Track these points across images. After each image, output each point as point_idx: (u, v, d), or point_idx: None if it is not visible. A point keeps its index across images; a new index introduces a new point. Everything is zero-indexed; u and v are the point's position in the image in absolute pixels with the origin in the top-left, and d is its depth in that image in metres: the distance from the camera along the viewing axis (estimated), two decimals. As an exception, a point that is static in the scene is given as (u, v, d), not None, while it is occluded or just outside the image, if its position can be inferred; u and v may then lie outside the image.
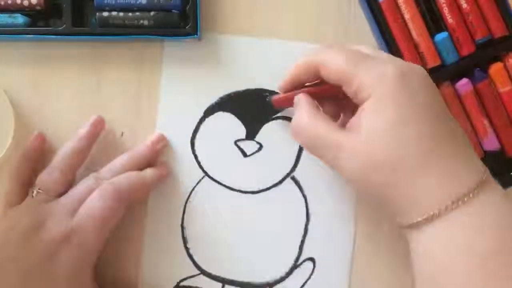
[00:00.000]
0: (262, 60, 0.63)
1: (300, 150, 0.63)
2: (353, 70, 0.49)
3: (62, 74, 0.63)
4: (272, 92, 0.62)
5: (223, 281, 0.63)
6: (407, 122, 0.47)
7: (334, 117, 0.57)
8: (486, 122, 0.60)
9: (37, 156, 0.62)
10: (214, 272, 0.63)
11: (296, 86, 0.56)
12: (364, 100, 0.48)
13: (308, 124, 0.52)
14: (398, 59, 0.51)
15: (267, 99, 0.61)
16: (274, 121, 0.63)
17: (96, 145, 0.62)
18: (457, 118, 0.59)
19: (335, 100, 0.56)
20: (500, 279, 0.44)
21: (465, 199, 0.45)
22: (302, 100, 0.54)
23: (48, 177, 0.58)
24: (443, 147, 0.47)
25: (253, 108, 0.63)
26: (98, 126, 0.62)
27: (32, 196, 0.57)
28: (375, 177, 0.48)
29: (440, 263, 0.46)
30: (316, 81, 0.55)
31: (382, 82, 0.48)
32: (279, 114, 0.63)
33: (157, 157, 0.63)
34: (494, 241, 0.45)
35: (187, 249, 0.63)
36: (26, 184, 0.60)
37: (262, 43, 0.63)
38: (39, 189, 0.57)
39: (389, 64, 0.49)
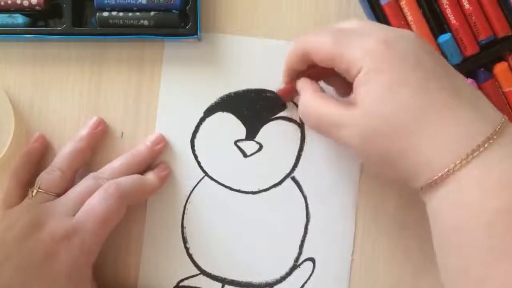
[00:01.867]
0: (262, 60, 0.63)
1: (300, 150, 0.63)
2: (339, 50, 0.49)
3: (62, 74, 0.63)
4: (272, 92, 0.63)
5: (223, 281, 0.63)
6: (399, 85, 0.46)
7: (345, 94, 0.57)
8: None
9: (37, 157, 0.62)
10: (214, 272, 0.63)
11: (297, 75, 0.57)
12: (356, 74, 0.48)
13: (311, 106, 0.52)
14: (384, 27, 0.51)
15: (273, 95, 0.61)
16: (274, 121, 0.63)
17: (96, 145, 0.63)
18: None
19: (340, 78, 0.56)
20: (507, 240, 0.43)
21: (475, 154, 0.44)
22: (304, 84, 0.55)
23: (48, 176, 0.58)
24: (443, 102, 0.46)
25: (253, 108, 0.63)
26: (99, 127, 0.62)
27: (32, 195, 0.57)
28: (379, 146, 0.48)
29: (450, 223, 0.45)
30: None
31: (368, 55, 0.48)
32: (279, 115, 0.63)
33: (156, 157, 0.63)
34: (502, 199, 0.43)
35: (187, 249, 0.63)
36: (25, 185, 0.60)
37: (262, 43, 0.63)
38: (39, 188, 0.58)
39: (372, 35, 0.49)
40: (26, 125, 0.63)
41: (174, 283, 0.63)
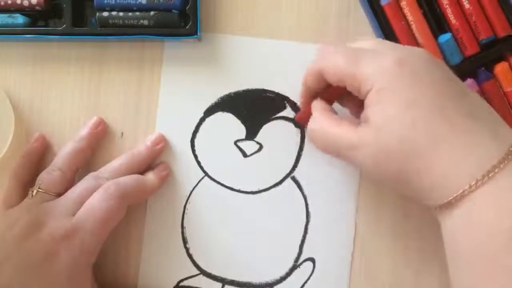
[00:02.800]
0: (262, 60, 0.63)
1: (300, 150, 0.63)
2: (351, 69, 0.49)
3: (62, 74, 0.63)
4: (272, 92, 0.63)
5: (223, 281, 0.63)
6: (412, 105, 0.46)
7: (358, 114, 0.56)
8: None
9: (38, 157, 0.62)
10: (214, 272, 0.63)
11: (313, 96, 0.57)
12: (367, 94, 0.48)
13: (320, 130, 0.52)
14: (397, 47, 0.51)
15: (273, 95, 0.62)
16: (274, 121, 0.63)
17: (96, 145, 0.63)
18: None
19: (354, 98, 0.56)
20: None
21: (490, 174, 0.44)
22: (315, 107, 0.55)
23: (48, 176, 0.58)
24: (458, 123, 0.46)
25: (253, 108, 0.63)
26: (99, 127, 0.62)
27: (32, 195, 0.57)
28: (392, 167, 0.47)
29: (465, 243, 0.45)
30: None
31: (380, 74, 0.47)
32: (279, 114, 0.63)
33: (157, 157, 0.63)
34: None
35: (187, 249, 0.63)
36: (25, 185, 0.60)
37: (262, 43, 0.63)
38: (39, 188, 0.58)
39: (385, 55, 0.48)
40: (26, 125, 0.63)
41: (174, 283, 0.63)
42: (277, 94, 0.63)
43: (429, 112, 0.46)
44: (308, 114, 0.56)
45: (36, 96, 0.63)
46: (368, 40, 0.53)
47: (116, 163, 0.61)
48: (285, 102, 0.63)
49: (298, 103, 0.62)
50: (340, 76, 0.50)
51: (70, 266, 0.53)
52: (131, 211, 0.60)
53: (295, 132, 0.63)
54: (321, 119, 0.53)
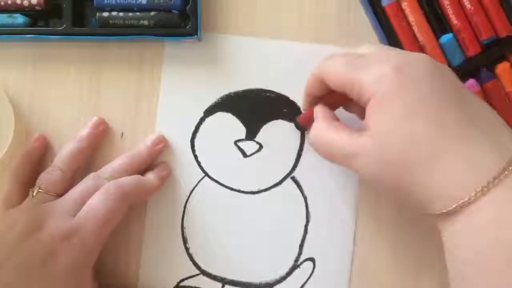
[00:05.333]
0: (262, 60, 0.63)
1: (300, 150, 0.63)
2: (350, 76, 0.49)
3: (62, 74, 0.63)
4: (272, 92, 0.63)
5: (223, 281, 0.63)
6: (412, 116, 0.46)
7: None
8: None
9: (38, 157, 0.62)
10: (214, 272, 0.63)
11: (315, 101, 0.57)
12: (367, 102, 0.48)
13: (321, 138, 0.52)
14: (398, 53, 0.51)
15: (273, 95, 0.62)
16: (274, 121, 0.63)
17: (97, 145, 0.63)
18: None
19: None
20: None
21: (490, 186, 0.43)
22: (317, 113, 0.55)
23: (48, 176, 0.59)
24: (459, 133, 0.45)
25: (253, 108, 0.63)
26: (100, 127, 0.62)
27: (32, 196, 0.58)
28: (392, 176, 0.47)
29: (464, 254, 0.45)
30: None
31: (379, 82, 0.47)
32: (279, 114, 0.63)
33: (157, 157, 0.63)
34: None
35: (187, 249, 0.63)
36: (26, 185, 0.60)
37: (262, 43, 0.63)
38: (39, 188, 0.58)
39: (384, 62, 0.48)
40: (26, 125, 0.63)
41: (174, 283, 0.63)
42: (277, 94, 0.63)
43: (428, 123, 0.46)
44: (310, 117, 0.56)
45: (36, 96, 0.63)
46: (371, 46, 0.53)
47: (116, 163, 0.61)
48: (285, 102, 0.63)
49: (299, 104, 0.62)
50: (340, 83, 0.50)
51: (70, 266, 0.53)
52: (131, 211, 0.60)
53: (295, 132, 0.63)
54: (322, 126, 0.53)
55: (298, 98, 0.62)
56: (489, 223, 0.43)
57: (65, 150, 0.60)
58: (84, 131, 0.61)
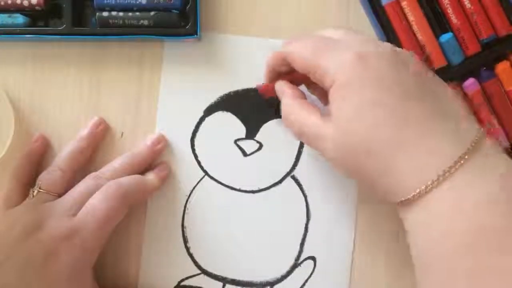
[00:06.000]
0: (262, 59, 0.63)
1: (300, 148, 0.63)
2: (314, 59, 0.49)
3: (62, 74, 0.63)
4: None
5: (224, 280, 0.63)
6: (374, 105, 0.46)
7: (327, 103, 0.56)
8: (495, 121, 0.60)
9: (38, 157, 0.62)
10: (214, 271, 0.63)
11: (277, 76, 0.57)
12: (329, 87, 0.48)
13: (292, 112, 0.53)
14: (363, 40, 0.50)
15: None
16: (273, 120, 0.63)
17: (97, 145, 0.63)
18: None
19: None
20: (476, 261, 0.43)
21: (446, 175, 0.44)
22: (282, 88, 0.56)
23: (48, 176, 0.59)
24: (420, 124, 0.45)
25: (253, 108, 0.63)
26: (100, 127, 0.62)
27: (32, 195, 0.58)
28: (352, 164, 0.48)
29: (421, 243, 0.46)
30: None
31: (341, 69, 0.47)
32: (278, 113, 0.63)
33: (157, 157, 0.63)
34: (472, 221, 0.43)
35: (187, 248, 0.63)
36: (26, 185, 0.60)
37: (261, 42, 0.63)
38: (39, 188, 0.58)
39: (350, 49, 0.48)
40: (26, 125, 0.63)
41: (175, 282, 0.63)
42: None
43: (390, 113, 0.46)
44: (271, 90, 0.57)
45: (36, 96, 0.63)
46: (338, 30, 0.53)
47: (116, 163, 0.61)
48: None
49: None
50: (304, 65, 0.50)
51: (71, 266, 0.53)
52: (131, 211, 0.60)
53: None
54: (295, 104, 0.53)
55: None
56: (443, 212, 0.44)
57: (65, 150, 0.61)
58: (84, 131, 0.61)
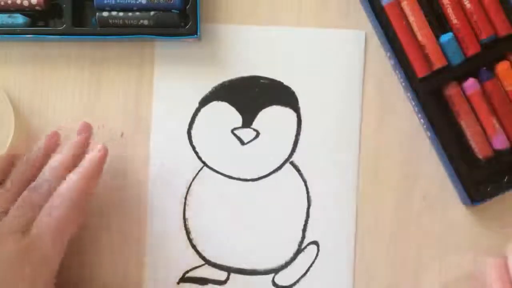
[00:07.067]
0: (255, 48, 0.64)
1: (298, 135, 0.64)
2: None
3: (62, 74, 0.64)
4: (266, 79, 0.64)
5: (229, 269, 0.64)
6: None
7: None
8: (494, 121, 0.60)
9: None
10: (218, 261, 0.64)
11: None
12: None
13: None
14: None
15: (267, 81, 0.63)
16: (269, 107, 0.64)
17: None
18: (466, 117, 0.60)
19: None
20: None
21: None
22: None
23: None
24: None
25: (248, 96, 0.64)
26: (53, 138, 0.61)
27: None
28: None
29: None
30: None
31: None
32: (274, 100, 0.64)
33: (88, 144, 0.61)
34: None
35: (190, 240, 0.64)
36: None
37: (253, 30, 0.64)
38: None
39: None
40: (26, 125, 0.63)
41: (180, 274, 0.63)
42: (271, 80, 0.64)
43: None
44: None
45: (36, 96, 0.63)
46: None
47: (49, 166, 0.58)
48: (280, 87, 0.64)
49: (293, 89, 0.64)
50: None
51: (33, 279, 0.53)
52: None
53: (291, 117, 0.64)
54: None
55: (293, 83, 0.64)
56: None
57: (17, 169, 0.59)
58: (39, 144, 0.60)
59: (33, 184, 0.57)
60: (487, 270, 0.53)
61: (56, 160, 0.58)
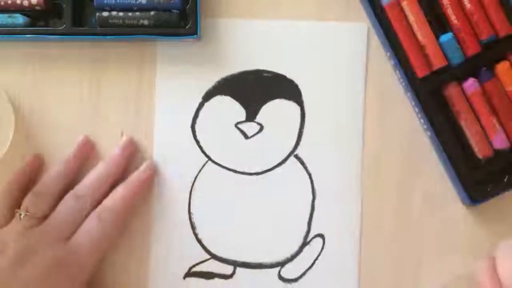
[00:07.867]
0: (259, 41, 0.64)
1: (301, 128, 0.64)
2: None
3: (62, 74, 0.63)
4: (269, 72, 0.64)
5: (234, 263, 0.64)
6: None
7: None
8: (494, 120, 0.60)
9: (28, 182, 0.62)
10: (224, 255, 0.64)
11: None
12: None
13: None
14: None
15: (270, 75, 0.64)
16: (273, 101, 0.64)
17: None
18: (466, 117, 0.60)
19: None
20: None
21: None
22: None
23: (35, 199, 0.59)
24: None
25: (252, 90, 0.64)
26: (86, 147, 0.62)
27: (20, 218, 0.57)
28: None
29: None
30: None
31: None
32: (277, 94, 0.64)
33: (130, 161, 0.63)
34: None
35: (195, 234, 0.64)
36: (13, 206, 0.59)
37: (258, 24, 0.64)
38: (26, 211, 0.57)
39: None
40: (26, 125, 0.63)
41: (186, 269, 0.63)
42: (275, 74, 0.64)
43: None
44: None
45: (36, 96, 0.63)
46: None
47: (92, 176, 0.61)
48: (283, 81, 0.64)
49: (296, 82, 0.64)
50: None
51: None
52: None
53: (295, 110, 0.64)
54: None
55: (296, 76, 0.64)
56: None
57: (52, 171, 0.61)
58: (71, 152, 0.62)
59: (76, 192, 0.60)
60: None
61: (100, 170, 0.61)
